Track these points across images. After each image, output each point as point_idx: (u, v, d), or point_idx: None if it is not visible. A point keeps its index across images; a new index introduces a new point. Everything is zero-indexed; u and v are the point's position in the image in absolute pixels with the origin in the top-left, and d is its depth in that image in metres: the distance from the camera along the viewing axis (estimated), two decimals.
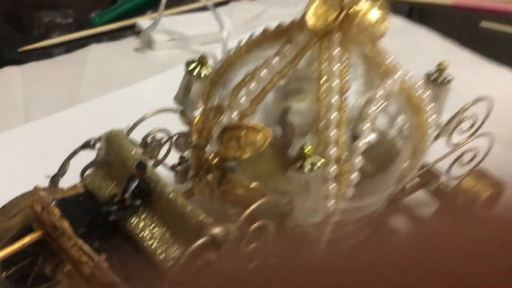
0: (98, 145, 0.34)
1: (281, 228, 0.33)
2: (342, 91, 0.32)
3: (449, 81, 0.40)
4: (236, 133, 0.33)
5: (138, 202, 0.31)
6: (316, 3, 0.32)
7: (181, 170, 0.39)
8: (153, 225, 0.31)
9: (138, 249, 0.31)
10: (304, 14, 0.32)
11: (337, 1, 0.32)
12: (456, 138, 0.44)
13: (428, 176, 0.46)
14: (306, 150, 0.30)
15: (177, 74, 0.61)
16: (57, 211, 0.30)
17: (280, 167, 0.33)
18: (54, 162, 0.34)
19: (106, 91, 0.59)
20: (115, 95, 0.59)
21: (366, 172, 0.34)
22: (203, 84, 0.37)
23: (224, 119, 0.34)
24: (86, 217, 0.32)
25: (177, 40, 0.67)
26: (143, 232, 0.31)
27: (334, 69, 0.33)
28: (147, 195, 0.31)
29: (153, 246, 0.30)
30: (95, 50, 0.65)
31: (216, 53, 0.65)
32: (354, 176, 0.33)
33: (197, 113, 0.40)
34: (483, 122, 0.44)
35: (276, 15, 0.76)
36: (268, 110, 0.35)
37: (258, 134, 0.33)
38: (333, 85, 0.32)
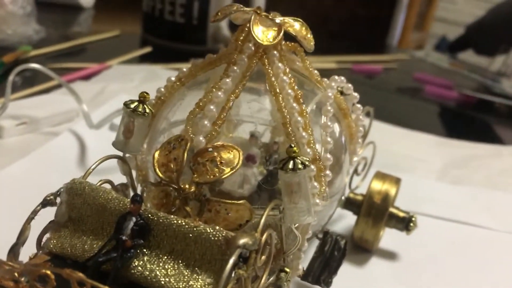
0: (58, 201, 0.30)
1: None
2: (297, 98, 0.35)
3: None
4: (209, 155, 0.32)
5: (140, 241, 0.28)
6: (257, 23, 0.35)
7: None
8: (161, 263, 0.28)
9: None
10: (250, 32, 0.34)
11: (273, 22, 0.35)
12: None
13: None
14: (294, 149, 0.31)
15: (37, 159, 0.56)
16: (50, 274, 0.25)
17: None
18: None
19: None
20: None
21: None
22: (146, 123, 0.35)
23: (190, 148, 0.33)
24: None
25: (27, 124, 0.61)
26: (153, 273, 0.27)
27: (284, 81, 0.35)
28: (147, 230, 0.28)
29: (171, 283, 0.27)
30: None
31: (76, 129, 0.62)
32: (328, 173, 0.34)
33: (141, 156, 0.38)
34: (369, 129, 0.50)
35: (117, 90, 0.75)
36: None
37: (231, 152, 0.33)
38: (289, 93, 0.34)
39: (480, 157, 0.75)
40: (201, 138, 0.33)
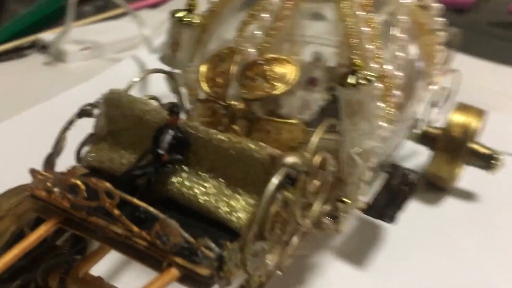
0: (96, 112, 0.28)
1: None
2: (365, 5, 0.30)
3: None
4: (260, 69, 0.29)
5: (178, 156, 0.25)
6: None
7: None
8: (201, 180, 0.25)
9: (189, 211, 0.25)
10: None
11: None
12: None
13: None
14: (356, 61, 0.27)
15: (97, 84, 0.55)
16: (80, 184, 0.23)
17: None
18: None
19: (20, 110, 0.51)
20: (30, 113, 0.51)
21: None
22: (194, 35, 0.32)
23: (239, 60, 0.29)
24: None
25: (91, 49, 0.60)
26: (191, 191, 0.25)
27: None
28: (186, 145, 0.25)
29: (210, 202, 0.24)
30: None
31: (139, 55, 0.60)
32: (397, 92, 0.30)
33: (191, 71, 0.35)
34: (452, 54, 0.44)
35: None
36: None
37: (286, 66, 0.29)
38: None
39: None
40: (252, 50, 0.29)
